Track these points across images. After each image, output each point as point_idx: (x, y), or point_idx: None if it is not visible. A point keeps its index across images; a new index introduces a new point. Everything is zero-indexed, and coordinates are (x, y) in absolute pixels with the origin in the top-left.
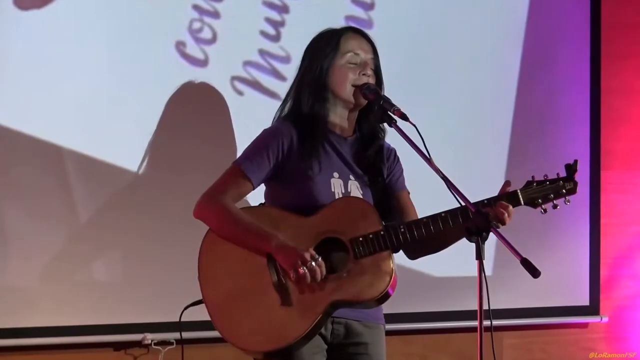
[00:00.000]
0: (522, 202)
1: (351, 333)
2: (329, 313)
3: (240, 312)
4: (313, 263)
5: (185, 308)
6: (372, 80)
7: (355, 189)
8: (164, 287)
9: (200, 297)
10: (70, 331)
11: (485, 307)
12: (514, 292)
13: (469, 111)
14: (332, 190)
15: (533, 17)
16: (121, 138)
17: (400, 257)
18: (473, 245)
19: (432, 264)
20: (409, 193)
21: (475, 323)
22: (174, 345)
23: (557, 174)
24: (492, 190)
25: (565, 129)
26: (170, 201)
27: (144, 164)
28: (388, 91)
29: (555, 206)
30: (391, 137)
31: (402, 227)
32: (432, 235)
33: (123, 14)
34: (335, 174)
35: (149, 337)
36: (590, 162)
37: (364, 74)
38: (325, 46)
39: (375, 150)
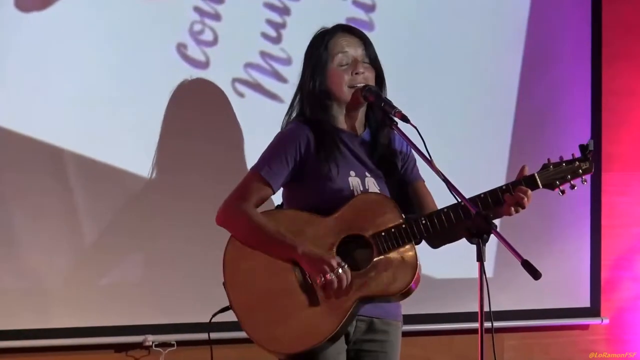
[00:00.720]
0: (540, 185)
1: (372, 330)
2: (356, 310)
3: (268, 315)
4: (340, 270)
5: (214, 315)
6: (368, 74)
7: (373, 186)
8: (165, 288)
9: (226, 303)
10: (71, 333)
11: (486, 308)
12: (514, 293)
13: (469, 112)
14: (351, 189)
15: (534, 17)
16: (122, 140)
17: None
18: (474, 247)
19: (433, 266)
20: (424, 182)
21: (477, 325)
22: (175, 346)
23: (572, 155)
24: None
25: (566, 130)
26: (171, 203)
27: (145, 165)
28: (389, 92)
29: (572, 186)
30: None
31: (423, 219)
32: (453, 225)
33: (124, 16)
34: (352, 173)
35: (150, 338)
36: None
37: (357, 73)
38: (316, 52)
39: (385, 143)
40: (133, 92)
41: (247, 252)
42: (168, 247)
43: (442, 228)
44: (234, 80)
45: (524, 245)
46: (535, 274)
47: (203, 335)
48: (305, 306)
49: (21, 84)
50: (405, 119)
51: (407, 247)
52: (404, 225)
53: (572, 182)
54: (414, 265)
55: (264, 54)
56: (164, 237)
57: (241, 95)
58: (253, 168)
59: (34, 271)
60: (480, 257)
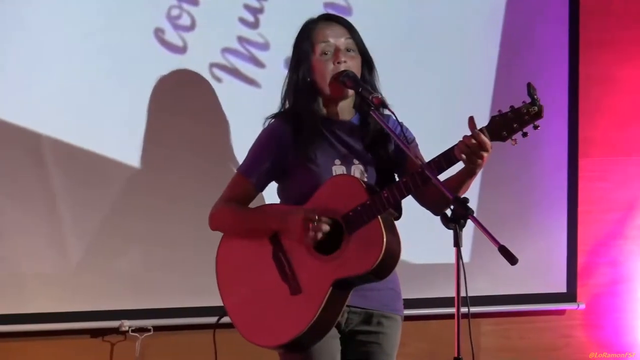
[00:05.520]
0: (488, 138)
1: (367, 322)
2: (339, 295)
3: (256, 312)
4: (317, 216)
5: (219, 318)
6: (352, 62)
7: (359, 173)
8: (141, 273)
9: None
10: (47, 318)
11: (462, 294)
12: (491, 279)
13: (447, 97)
14: (330, 177)
15: (511, 3)
16: (100, 125)
17: None
18: (451, 232)
19: (410, 252)
20: (422, 158)
21: (453, 310)
22: (151, 332)
23: (523, 102)
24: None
25: (544, 116)
26: (149, 188)
27: (123, 150)
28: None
29: (524, 134)
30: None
31: (385, 191)
32: (421, 190)
33: (102, 1)
34: (337, 161)
35: (126, 324)
36: (568, 149)
37: (338, 62)
38: (300, 44)
39: (377, 128)
40: (110, 76)
41: (233, 254)
42: (145, 232)
43: (402, 196)
44: (212, 65)
45: (501, 230)
46: (512, 259)
47: (180, 321)
48: (288, 296)
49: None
50: (383, 104)
51: (373, 223)
52: (368, 202)
53: (522, 130)
54: (379, 240)
55: (241, 39)
56: (141, 222)
57: (219, 80)
58: (237, 169)
59: (10, 256)
60: (457, 243)
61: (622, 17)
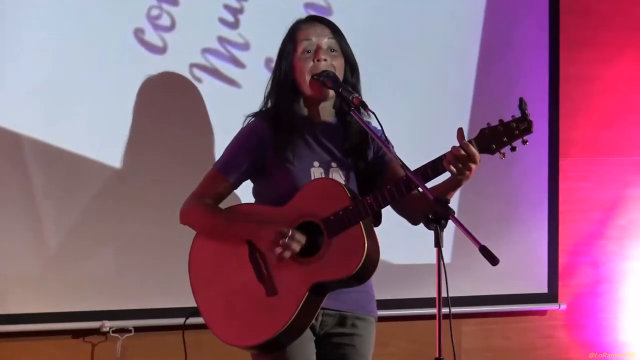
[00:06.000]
0: (477, 150)
1: (341, 324)
2: (315, 299)
3: (230, 311)
4: (291, 233)
5: (187, 318)
6: (334, 62)
7: (338, 177)
8: (122, 274)
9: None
10: (28, 319)
11: (443, 294)
12: (472, 279)
13: (427, 97)
14: (312, 179)
15: (492, 3)
16: (80, 125)
17: None
18: (432, 232)
19: (391, 252)
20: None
21: (434, 310)
22: (132, 332)
23: (512, 116)
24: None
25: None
26: (127, 188)
27: (102, 150)
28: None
29: (513, 149)
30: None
31: (368, 197)
32: (404, 199)
33: (82, 0)
34: (316, 163)
35: (107, 324)
36: (549, 149)
37: (318, 60)
38: (284, 43)
39: (358, 130)
40: (90, 76)
41: (207, 253)
42: (126, 232)
43: (386, 204)
44: (192, 65)
45: (482, 231)
46: (493, 259)
47: (161, 321)
48: (263, 297)
49: None
50: (363, 105)
51: (355, 228)
52: (350, 207)
53: (511, 144)
54: (360, 246)
55: (221, 39)
56: (121, 222)
57: (199, 80)
58: (213, 165)
59: None
60: (438, 243)
61: (602, 17)
